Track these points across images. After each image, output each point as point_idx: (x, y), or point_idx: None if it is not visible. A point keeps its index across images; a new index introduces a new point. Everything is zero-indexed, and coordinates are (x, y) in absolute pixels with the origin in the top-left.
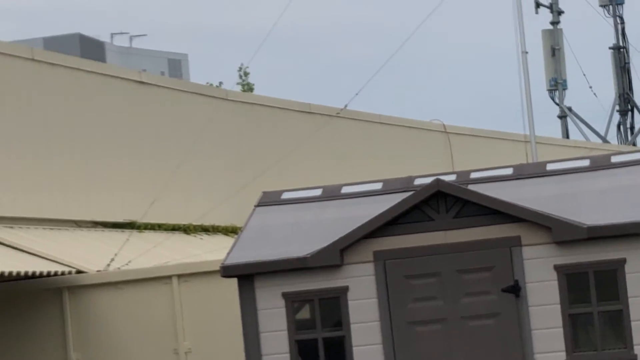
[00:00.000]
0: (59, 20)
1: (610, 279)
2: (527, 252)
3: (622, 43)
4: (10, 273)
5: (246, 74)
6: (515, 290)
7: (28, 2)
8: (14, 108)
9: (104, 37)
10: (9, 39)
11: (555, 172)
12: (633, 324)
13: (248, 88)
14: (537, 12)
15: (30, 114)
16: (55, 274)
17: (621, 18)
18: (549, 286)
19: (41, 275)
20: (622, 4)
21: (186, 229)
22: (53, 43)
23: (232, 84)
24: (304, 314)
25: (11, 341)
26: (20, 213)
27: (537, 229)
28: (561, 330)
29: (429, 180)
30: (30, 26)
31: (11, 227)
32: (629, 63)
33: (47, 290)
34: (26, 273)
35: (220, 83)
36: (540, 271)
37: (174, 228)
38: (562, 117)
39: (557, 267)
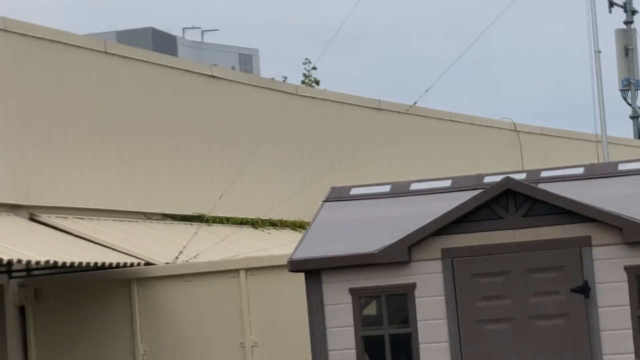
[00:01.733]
0: (131, 15)
1: None
2: (597, 252)
3: None
4: (80, 263)
5: (313, 68)
6: (585, 290)
7: None
8: (87, 101)
9: (176, 32)
10: (83, 32)
11: (626, 173)
12: None
13: (312, 82)
14: (610, 12)
15: (102, 107)
16: (125, 265)
17: None
18: (618, 287)
19: (110, 267)
20: None
21: (254, 223)
22: (126, 37)
23: (300, 80)
24: (371, 310)
25: (81, 330)
26: (91, 205)
27: (607, 229)
28: (630, 332)
29: (498, 178)
30: (103, 20)
31: (81, 219)
32: None
33: (116, 282)
34: (96, 264)
35: (285, 78)
36: (610, 272)
37: (242, 222)
38: (635, 117)
39: (627, 268)
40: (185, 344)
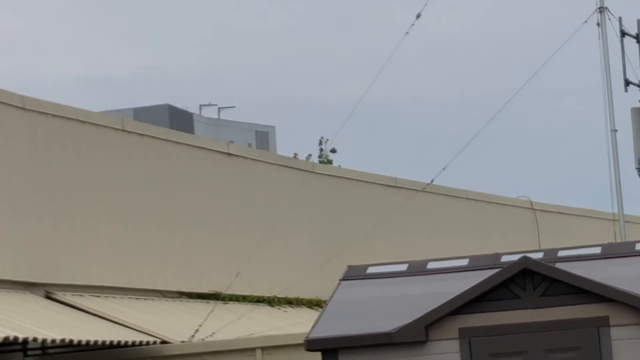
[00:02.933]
0: (148, 91)
1: None
2: (615, 332)
3: None
4: (96, 342)
5: (333, 151)
6: None
7: (118, 73)
8: (104, 179)
9: (193, 108)
10: (100, 108)
11: None
12: None
13: (327, 161)
14: (626, 90)
15: (119, 184)
16: (141, 343)
17: None
18: None
19: (126, 345)
20: None
21: (270, 302)
22: (143, 113)
23: (314, 157)
24: None
25: None
26: (107, 282)
27: (625, 309)
28: None
29: (515, 257)
30: (120, 96)
31: (97, 296)
32: None
33: None
34: (112, 342)
35: (309, 156)
36: (629, 352)
37: (259, 300)
38: None
39: None
40: None
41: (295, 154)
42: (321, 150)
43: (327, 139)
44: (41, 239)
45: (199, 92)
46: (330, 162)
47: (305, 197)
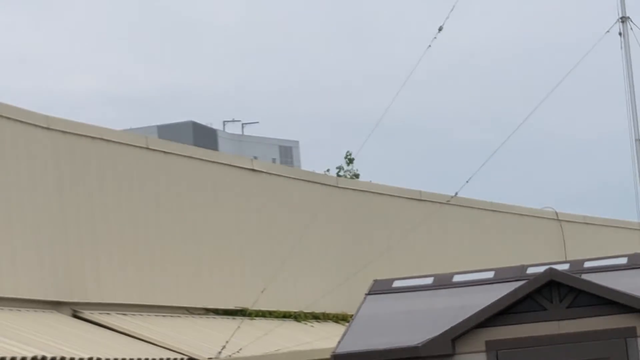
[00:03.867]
0: (172, 108)
1: None
2: None
3: None
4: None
5: (351, 160)
6: None
7: (142, 91)
8: (129, 197)
9: (217, 125)
10: (124, 126)
11: None
12: None
13: (353, 175)
14: None
15: (144, 202)
16: None
17: None
18: None
19: None
20: None
21: (297, 317)
22: (167, 131)
23: (343, 171)
24: None
25: None
26: (134, 300)
27: None
28: None
29: (541, 269)
30: (144, 114)
31: (124, 315)
32: None
33: None
34: None
35: (339, 170)
36: None
37: (285, 315)
38: None
39: None
40: None
41: (328, 170)
42: (348, 162)
43: (351, 153)
44: (67, 258)
45: (222, 108)
46: (357, 176)
47: (330, 212)
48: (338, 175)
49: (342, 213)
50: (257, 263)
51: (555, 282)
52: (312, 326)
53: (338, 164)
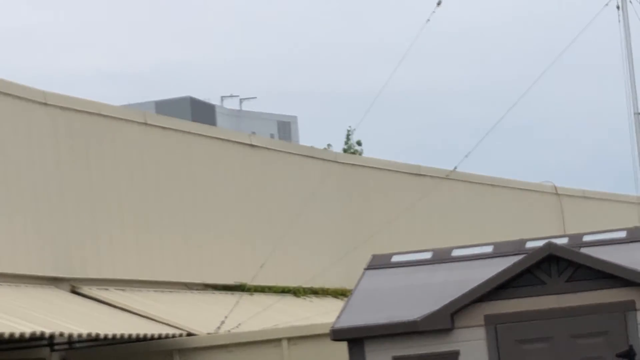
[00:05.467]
0: (169, 84)
1: None
2: None
3: None
4: (122, 335)
5: (359, 144)
6: (631, 355)
7: (140, 66)
8: (127, 172)
9: (215, 100)
10: (122, 102)
11: None
12: None
13: (356, 152)
14: None
15: (142, 178)
16: (167, 336)
17: None
18: None
19: (152, 338)
20: None
21: (296, 292)
22: (164, 107)
23: (340, 147)
24: None
25: None
26: (132, 276)
27: None
28: None
29: (540, 243)
30: (142, 90)
31: (123, 290)
32: None
33: (159, 353)
34: (137, 335)
35: (347, 148)
36: None
37: (284, 290)
38: None
39: None
40: None
41: (329, 145)
42: (348, 139)
43: (354, 129)
44: (66, 234)
45: (220, 83)
46: (359, 153)
47: (329, 187)
48: (344, 151)
49: (341, 188)
50: (256, 238)
51: (554, 256)
52: (311, 301)
53: (338, 140)
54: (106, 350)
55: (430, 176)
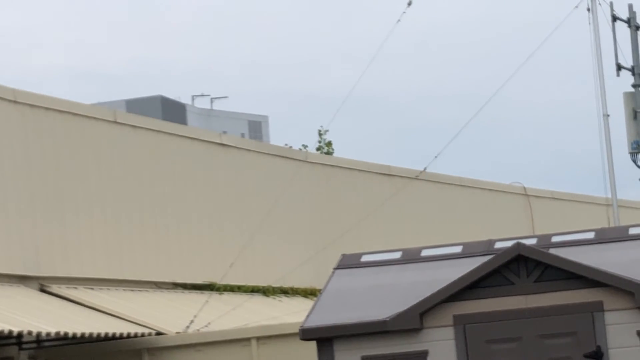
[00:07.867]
0: (140, 83)
1: None
2: (609, 317)
3: None
4: (91, 334)
5: (328, 145)
6: (598, 356)
7: (110, 65)
8: (97, 171)
9: (185, 99)
10: (92, 101)
11: (637, 237)
12: None
13: (327, 152)
14: (618, 75)
15: (112, 176)
16: (136, 335)
17: None
18: (632, 352)
19: (121, 337)
20: None
21: (265, 291)
22: (135, 105)
23: (311, 147)
24: None
25: None
26: (102, 275)
27: (619, 294)
28: None
29: (509, 243)
30: (112, 89)
31: (92, 289)
32: None
33: (128, 352)
34: (106, 334)
35: (305, 146)
36: (623, 337)
37: (253, 290)
38: None
39: None
40: None
41: (305, 146)
42: (321, 139)
43: (327, 130)
44: (34, 232)
45: (191, 83)
46: (330, 153)
47: (299, 187)
48: (318, 150)
49: (311, 188)
50: (226, 238)
51: (522, 257)
52: (280, 301)
53: (308, 140)
54: (75, 349)
55: (401, 176)
